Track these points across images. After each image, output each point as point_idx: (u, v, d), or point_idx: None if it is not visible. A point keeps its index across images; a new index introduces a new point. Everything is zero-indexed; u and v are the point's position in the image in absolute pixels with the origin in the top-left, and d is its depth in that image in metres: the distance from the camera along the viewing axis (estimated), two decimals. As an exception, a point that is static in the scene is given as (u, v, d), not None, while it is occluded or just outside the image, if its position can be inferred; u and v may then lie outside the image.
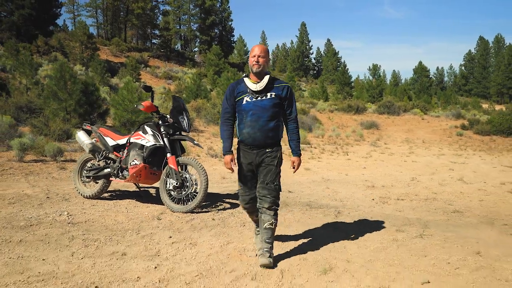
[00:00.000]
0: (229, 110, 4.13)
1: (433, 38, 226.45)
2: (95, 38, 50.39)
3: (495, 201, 7.41)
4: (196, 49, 76.03)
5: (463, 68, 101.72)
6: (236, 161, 4.12)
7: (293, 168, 4.16)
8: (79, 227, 4.97)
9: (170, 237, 4.73)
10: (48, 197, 6.29)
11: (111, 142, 6.29)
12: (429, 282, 3.70)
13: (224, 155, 4.06)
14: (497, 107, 46.41)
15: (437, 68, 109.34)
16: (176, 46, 74.32)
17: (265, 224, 4.02)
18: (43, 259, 3.95)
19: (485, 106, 48.67)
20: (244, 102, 4.01)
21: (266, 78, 4.00)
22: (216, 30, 74.11)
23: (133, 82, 16.08)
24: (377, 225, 5.52)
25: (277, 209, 4.10)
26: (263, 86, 3.98)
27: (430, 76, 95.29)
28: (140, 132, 6.00)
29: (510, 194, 7.98)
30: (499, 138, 21.49)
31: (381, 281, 3.67)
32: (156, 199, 6.44)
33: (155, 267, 3.84)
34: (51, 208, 5.73)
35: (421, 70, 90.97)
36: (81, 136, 6.47)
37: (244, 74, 4.17)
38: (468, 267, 4.12)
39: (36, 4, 42.53)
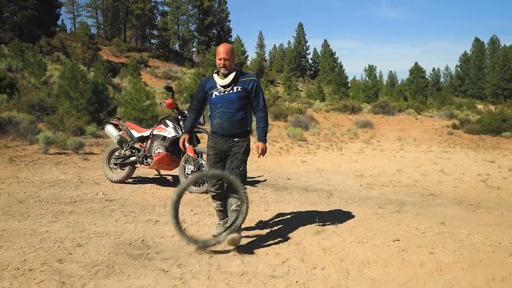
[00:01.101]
0: (195, 103, 4.63)
1: (430, 39, 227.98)
2: (96, 38, 51.26)
3: (467, 188, 8.48)
4: (194, 49, 77.03)
5: (458, 69, 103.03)
6: (188, 142, 4.66)
7: (258, 153, 4.53)
8: (115, 203, 6.01)
9: (192, 210, 5.77)
10: (81, 182, 7.32)
11: (136, 134, 7.33)
12: (399, 240, 4.75)
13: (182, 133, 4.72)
14: (491, 108, 47.48)
15: (433, 69, 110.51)
16: (174, 47, 75.25)
17: (232, 207, 4.42)
18: (95, 223, 4.98)
19: (480, 106, 49.80)
20: (214, 96, 4.38)
21: (232, 74, 4.33)
22: (214, 31, 75.16)
23: (140, 83, 17.09)
24: (362, 204, 6.59)
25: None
26: (229, 82, 4.33)
27: (426, 77, 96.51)
28: (162, 126, 7.04)
29: (482, 183, 9.05)
30: (488, 137, 22.52)
31: (361, 239, 4.72)
32: (174, 184, 7.49)
33: (184, 229, 4.88)
34: (86, 189, 6.77)
35: (417, 71, 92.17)
36: (110, 129, 7.50)
37: (215, 71, 4.47)
38: (432, 232, 5.18)
39: (39, 5, 43.44)
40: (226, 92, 4.34)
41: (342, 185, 8.38)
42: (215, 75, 4.43)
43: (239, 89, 4.34)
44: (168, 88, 7.02)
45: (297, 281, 3.59)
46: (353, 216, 5.75)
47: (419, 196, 7.59)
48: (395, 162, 12.55)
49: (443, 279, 3.77)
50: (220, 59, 4.27)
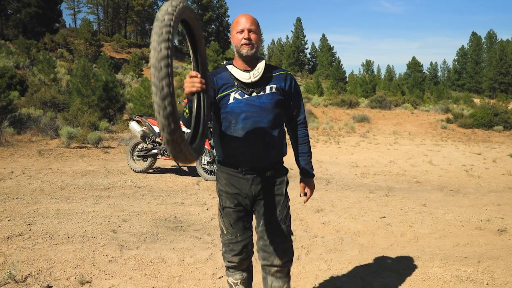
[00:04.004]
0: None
1: (428, 33, 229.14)
2: (98, 35, 52.11)
3: (450, 177, 9.46)
4: (193, 44, 77.78)
5: (456, 63, 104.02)
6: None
7: (304, 195, 2.86)
8: (144, 189, 6.99)
9: (210, 194, 6.75)
10: (108, 172, 8.29)
11: (157, 129, 8.29)
12: (385, 217, 5.74)
13: None
14: (488, 101, 48.41)
15: (431, 63, 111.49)
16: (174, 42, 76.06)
17: None
18: (131, 205, 5.96)
19: (476, 100, 50.80)
20: (232, 100, 2.60)
21: (262, 64, 2.64)
22: (213, 26, 76.07)
23: (149, 81, 18.02)
24: (356, 189, 7.58)
25: (291, 267, 2.80)
26: (260, 75, 2.61)
27: (424, 71, 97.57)
28: (181, 122, 8.00)
29: (465, 172, 10.04)
30: (480, 131, 23.43)
31: (354, 216, 5.71)
32: (189, 173, 8.46)
33: (207, 209, 5.87)
34: (115, 178, 7.74)
35: (414, 65, 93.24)
36: (133, 125, 8.47)
37: (225, 61, 2.72)
38: (414, 211, 6.17)
39: (42, 3, 44.33)
40: (255, 94, 2.60)
41: (338, 174, 9.36)
42: (230, 67, 2.66)
43: (274, 90, 2.64)
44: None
45: (302, 245, 4.57)
46: (347, 199, 6.74)
47: (407, 183, 8.57)
48: (388, 154, 13.52)
49: (418, 245, 4.75)
50: (242, 31, 2.56)
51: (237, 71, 2.61)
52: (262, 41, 2.75)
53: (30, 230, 4.63)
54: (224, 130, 2.62)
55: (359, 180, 8.74)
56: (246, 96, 2.58)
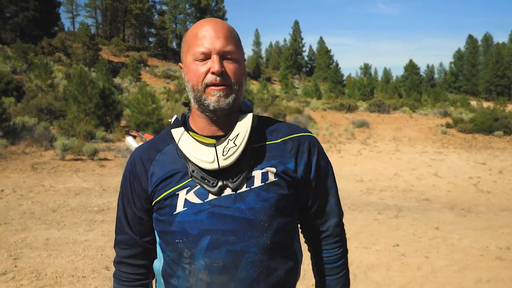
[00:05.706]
0: (130, 241, 1.28)
1: (425, 35, 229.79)
2: (96, 38, 51.73)
3: (459, 192, 9.13)
4: (191, 47, 77.62)
5: (452, 65, 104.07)
6: None
7: None
8: (140, 211, 6.62)
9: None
10: (103, 190, 7.92)
11: (154, 145, 7.94)
12: (398, 245, 5.39)
13: None
14: (485, 104, 48.26)
15: (428, 66, 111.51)
16: (172, 45, 75.80)
17: None
18: (127, 232, 5.58)
19: (473, 103, 50.57)
20: (181, 206, 1.16)
21: (245, 123, 1.20)
22: (211, 29, 75.68)
23: (146, 87, 17.69)
24: (363, 209, 7.22)
25: None
26: (239, 152, 1.16)
27: (421, 73, 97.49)
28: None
29: (474, 186, 9.70)
30: (481, 136, 23.11)
31: (365, 244, 5.35)
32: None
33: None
34: (110, 197, 7.37)
35: (411, 67, 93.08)
36: (129, 140, 8.07)
37: (175, 116, 1.30)
38: (428, 236, 5.82)
39: (40, 6, 43.91)
40: (230, 192, 1.16)
41: (344, 191, 9.00)
42: (179, 133, 1.22)
43: (271, 178, 1.19)
44: (185, 104, 7.63)
45: (312, 284, 4.20)
46: (356, 223, 6.38)
47: (415, 201, 8.22)
48: (391, 164, 13.19)
49: (437, 281, 4.40)
50: (207, 55, 1.16)
51: (191, 144, 1.19)
52: (246, 76, 1.27)
53: (16, 266, 4.26)
54: (168, 269, 1.23)
55: (365, 197, 8.39)
56: (211, 197, 1.17)
